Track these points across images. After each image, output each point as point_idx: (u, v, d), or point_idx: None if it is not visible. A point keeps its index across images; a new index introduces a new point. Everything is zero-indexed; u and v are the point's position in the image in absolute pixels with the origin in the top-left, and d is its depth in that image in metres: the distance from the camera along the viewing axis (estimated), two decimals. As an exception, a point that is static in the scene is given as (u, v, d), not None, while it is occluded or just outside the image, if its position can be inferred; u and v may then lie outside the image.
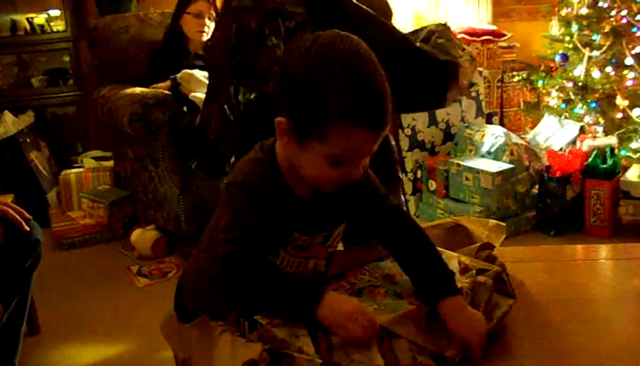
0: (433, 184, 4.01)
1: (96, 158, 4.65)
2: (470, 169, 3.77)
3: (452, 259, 1.35)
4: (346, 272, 1.34)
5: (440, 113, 4.19)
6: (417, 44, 1.92)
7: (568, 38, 4.29)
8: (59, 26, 5.03)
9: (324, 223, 1.30)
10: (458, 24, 4.60)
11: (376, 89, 1.12)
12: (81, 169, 4.49)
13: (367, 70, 1.12)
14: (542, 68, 4.49)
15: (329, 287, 1.27)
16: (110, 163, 4.44)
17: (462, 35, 4.47)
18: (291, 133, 1.17)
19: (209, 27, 3.86)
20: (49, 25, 5.03)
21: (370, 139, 1.14)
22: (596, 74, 4.13)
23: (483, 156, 3.99)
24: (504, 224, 1.52)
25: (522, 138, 4.24)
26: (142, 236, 3.73)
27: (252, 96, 1.93)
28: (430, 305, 1.21)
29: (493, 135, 4.02)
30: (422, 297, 1.23)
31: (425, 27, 2.03)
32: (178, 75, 3.56)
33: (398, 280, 1.30)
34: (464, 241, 1.47)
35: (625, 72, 4.05)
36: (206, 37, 3.87)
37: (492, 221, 1.52)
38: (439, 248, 1.35)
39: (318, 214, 1.28)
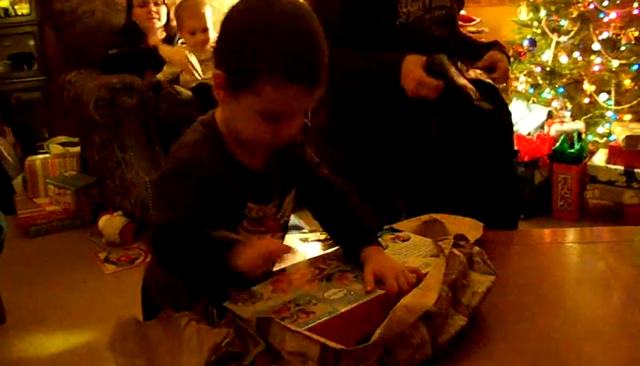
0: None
1: (62, 144, 4.59)
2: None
3: (427, 243, 1.36)
4: (313, 259, 1.34)
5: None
6: None
7: (536, 23, 4.32)
8: (23, 9, 4.95)
9: (274, 192, 1.31)
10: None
11: (309, 46, 1.14)
12: (47, 155, 4.43)
13: (303, 27, 1.14)
14: (511, 53, 4.51)
15: (298, 272, 1.28)
16: (77, 149, 4.38)
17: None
18: (226, 86, 1.18)
19: (158, 11, 3.83)
20: (13, 8, 4.95)
21: (301, 96, 1.15)
22: (563, 59, 4.16)
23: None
24: (481, 224, 1.52)
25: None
26: (110, 223, 3.69)
27: None
28: (355, 261, 1.27)
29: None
30: (348, 256, 1.30)
31: None
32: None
33: None
34: (439, 235, 1.47)
35: (592, 57, 4.08)
36: (158, 23, 3.85)
37: (470, 219, 1.52)
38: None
39: (267, 183, 1.29)
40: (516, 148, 3.82)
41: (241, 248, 1.11)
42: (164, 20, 3.89)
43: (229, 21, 1.18)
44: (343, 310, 1.13)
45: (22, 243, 3.75)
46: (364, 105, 1.94)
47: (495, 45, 2.05)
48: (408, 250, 1.34)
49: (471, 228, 1.46)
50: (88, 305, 2.97)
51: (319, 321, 1.10)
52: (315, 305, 1.15)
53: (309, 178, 1.38)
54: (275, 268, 1.30)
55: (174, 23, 3.88)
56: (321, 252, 1.38)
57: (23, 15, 4.93)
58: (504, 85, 4.29)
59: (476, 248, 1.35)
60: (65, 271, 3.36)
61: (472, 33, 4.75)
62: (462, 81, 1.80)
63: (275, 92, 1.12)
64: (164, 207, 1.22)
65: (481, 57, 1.99)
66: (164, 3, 3.89)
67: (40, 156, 4.40)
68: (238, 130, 1.21)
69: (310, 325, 1.09)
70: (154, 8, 3.82)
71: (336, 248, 1.38)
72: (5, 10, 4.91)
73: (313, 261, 1.33)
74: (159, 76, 3.59)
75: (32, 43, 5.00)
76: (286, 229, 1.37)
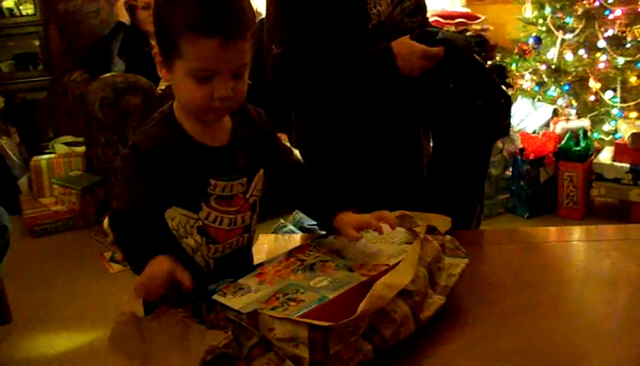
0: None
1: (67, 144, 4.60)
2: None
3: (400, 232, 1.38)
4: (292, 250, 1.36)
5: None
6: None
7: (541, 21, 4.31)
8: (28, 9, 4.95)
9: (239, 168, 1.32)
10: (432, 7, 4.59)
11: None
12: (52, 155, 4.43)
13: None
14: (516, 51, 4.51)
15: (280, 264, 1.30)
16: (82, 149, 4.39)
17: (436, 18, 4.46)
18: (162, 61, 1.22)
19: None
20: (17, 8, 4.95)
21: (223, 50, 1.16)
22: (569, 57, 4.15)
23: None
24: (449, 218, 1.52)
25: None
26: (115, 222, 3.69)
27: None
28: (329, 228, 1.36)
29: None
30: (323, 226, 1.40)
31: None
32: None
33: (345, 254, 1.32)
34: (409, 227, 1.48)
35: (598, 54, 4.07)
36: None
37: (439, 215, 1.53)
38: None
39: (229, 159, 1.30)
40: (521, 146, 3.82)
41: (149, 264, 1.13)
42: None
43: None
44: (332, 297, 1.15)
45: (27, 243, 3.76)
46: (352, 117, 1.90)
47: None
48: (383, 238, 1.35)
49: (440, 222, 1.47)
50: (93, 304, 2.98)
51: (311, 308, 1.12)
52: (302, 293, 1.17)
53: (279, 161, 1.43)
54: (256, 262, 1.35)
55: None
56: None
57: (27, 15, 4.94)
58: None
59: (448, 237, 1.37)
60: (70, 270, 3.36)
61: (477, 31, 4.74)
62: (462, 36, 1.81)
63: (195, 49, 1.15)
64: (117, 192, 1.27)
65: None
66: None
67: (45, 156, 4.40)
68: (182, 100, 1.24)
69: (303, 312, 1.10)
70: None
71: (314, 241, 1.41)
72: (10, 10, 4.92)
73: (292, 253, 1.34)
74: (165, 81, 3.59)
75: (37, 43, 5.00)
76: (254, 209, 1.36)
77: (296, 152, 1.85)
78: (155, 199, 1.24)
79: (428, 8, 2.01)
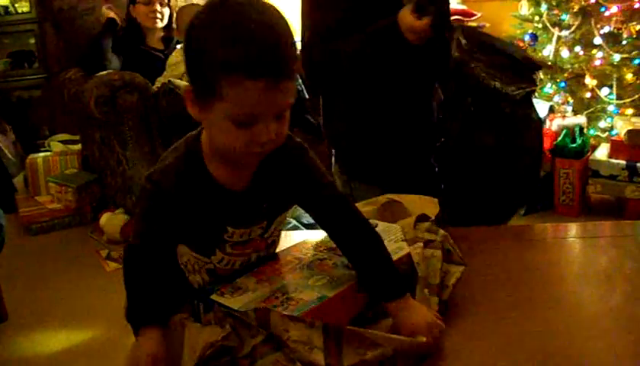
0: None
1: (63, 142, 4.59)
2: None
3: (395, 229, 1.35)
4: (289, 248, 1.34)
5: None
6: None
7: (537, 18, 4.31)
8: (23, 7, 4.95)
9: (260, 214, 1.22)
10: None
11: (264, 36, 1.03)
12: (48, 153, 4.43)
13: (256, 18, 1.03)
14: (512, 48, 4.50)
15: (277, 261, 1.28)
16: (78, 147, 4.38)
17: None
18: (195, 99, 1.09)
19: (162, 12, 3.85)
20: (13, 6, 4.95)
21: (268, 92, 1.03)
22: (565, 53, 4.15)
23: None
24: (436, 199, 1.52)
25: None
26: (111, 220, 3.69)
27: None
28: (378, 303, 1.19)
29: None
30: (371, 296, 1.20)
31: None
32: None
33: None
34: (399, 215, 1.47)
35: (594, 51, 4.07)
36: (160, 23, 3.86)
37: (424, 196, 1.52)
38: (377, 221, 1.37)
39: (250, 205, 1.20)
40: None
41: (139, 339, 1.09)
42: (166, 21, 3.90)
43: (188, 29, 1.09)
44: (331, 295, 1.14)
45: (23, 241, 3.75)
46: (371, 93, 1.93)
47: None
48: (383, 234, 1.30)
49: (428, 205, 1.46)
50: (89, 302, 2.97)
51: (310, 307, 1.11)
52: (301, 292, 1.16)
53: (316, 198, 1.24)
54: None
55: (174, 26, 3.90)
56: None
57: (23, 13, 4.93)
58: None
59: (441, 232, 1.36)
60: (66, 268, 3.36)
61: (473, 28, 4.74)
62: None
63: (238, 93, 1.02)
64: (135, 225, 1.19)
65: None
66: (168, 5, 3.90)
67: (41, 154, 4.40)
68: (216, 143, 1.12)
69: (302, 312, 1.09)
70: (158, 8, 3.83)
71: (308, 237, 1.39)
72: (5, 8, 4.91)
73: (289, 251, 1.33)
74: (160, 80, 3.60)
75: (32, 40, 5.00)
76: (272, 246, 1.30)
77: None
78: (170, 238, 1.17)
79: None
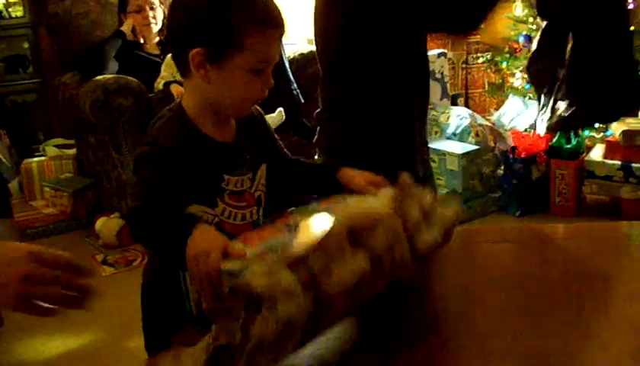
0: (399, 167, 4.01)
1: (58, 146, 4.58)
2: (436, 151, 3.78)
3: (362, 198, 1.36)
4: (274, 218, 1.32)
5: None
6: None
7: (531, 19, 4.31)
8: (17, 11, 4.93)
9: (246, 164, 1.37)
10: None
11: None
12: (43, 158, 4.42)
13: None
14: (506, 49, 4.51)
15: (264, 229, 1.24)
16: (73, 151, 4.37)
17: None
18: (208, 60, 1.26)
19: (155, 16, 3.85)
20: (7, 11, 4.93)
21: (278, 39, 1.30)
22: (559, 55, 4.15)
23: (448, 138, 4.00)
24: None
25: (487, 119, 4.27)
26: (107, 225, 3.68)
27: None
28: (335, 190, 1.35)
29: (458, 116, 4.03)
30: (327, 192, 1.35)
31: None
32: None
33: (331, 213, 1.30)
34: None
35: (588, 52, 4.07)
36: (154, 28, 3.86)
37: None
38: None
39: (238, 155, 1.36)
40: (512, 144, 3.82)
41: (197, 234, 1.11)
42: (160, 24, 3.90)
43: (193, 2, 1.28)
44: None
45: (19, 246, 3.74)
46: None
47: None
48: (365, 199, 1.32)
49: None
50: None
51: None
52: (292, 246, 1.11)
53: (279, 156, 1.49)
54: None
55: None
56: None
57: (17, 17, 4.92)
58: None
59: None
60: (62, 273, 3.35)
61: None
62: None
63: (260, 41, 1.25)
64: (138, 189, 1.25)
65: None
66: (160, 5, 3.90)
67: (36, 159, 4.39)
68: (229, 96, 1.29)
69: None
70: (150, 13, 3.83)
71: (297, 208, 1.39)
72: (-1, 12, 4.90)
73: (275, 220, 1.31)
74: (160, 80, 3.59)
75: (26, 45, 4.98)
76: (260, 203, 1.40)
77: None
78: (177, 195, 1.24)
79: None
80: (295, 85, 3.67)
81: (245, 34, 1.23)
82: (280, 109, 3.62)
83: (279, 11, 1.29)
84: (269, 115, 3.66)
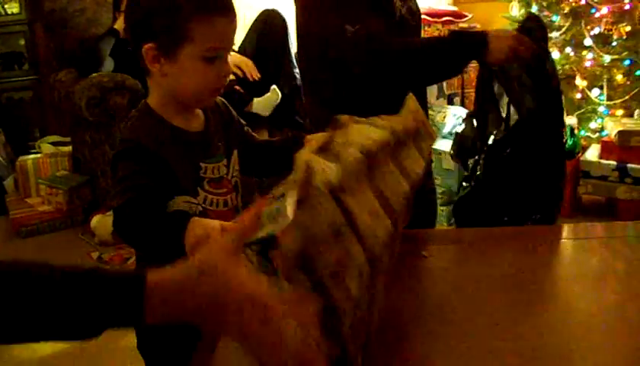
0: (395, 166, 4.01)
1: (54, 144, 4.57)
2: (432, 150, 3.77)
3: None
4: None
5: (402, 95, 4.20)
6: None
7: (528, 19, 4.31)
8: (13, 8, 4.93)
9: (219, 150, 1.38)
10: (419, 5, 4.59)
11: None
12: (38, 155, 4.41)
13: None
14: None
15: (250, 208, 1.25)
16: (69, 148, 4.36)
17: (423, 16, 4.46)
18: (161, 53, 1.26)
19: None
20: (3, 8, 4.93)
21: (227, 26, 1.27)
22: (555, 55, 4.16)
23: (444, 137, 4.00)
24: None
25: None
26: (103, 222, 3.67)
27: None
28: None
29: (454, 116, 4.03)
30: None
31: None
32: None
33: None
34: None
35: (584, 52, 4.09)
36: None
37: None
38: None
39: (210, 143, 1.37)
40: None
41: (191, 225, 1.12)
42: None
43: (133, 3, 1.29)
44: None
45: (14, 244, 3.73)
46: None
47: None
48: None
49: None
50: (80, 305, 2.96)
51: None
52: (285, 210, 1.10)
53: (248, 141, 1.50)
54: None
55: None
56: None
57: (13, 14, 4.91)
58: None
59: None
60: (57, 271, 3.34)
61: (464, 29, 4.75)
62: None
63: (209, 29, 1.23)
64: (118, 188, 1.23)
65: None
66: None
67: (32, 156, 4.38)
68: (186, 88, 1.29)
69: None
70: None
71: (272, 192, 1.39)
72: (-5, 9, 4.89)
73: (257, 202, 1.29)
74: None
75: (22, 42, 4.97)
76: (237, 189, 1.41)
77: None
78: (158, 188, 1.23)
79: (416, 6, 2.03)
80: (297, 68, 3.67)
81: (191, 23, 1.23)
82: (274, 86, 3.62)
83: None
84: (264, 96, 3.67)
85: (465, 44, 1.78)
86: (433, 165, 3.73)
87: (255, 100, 3.64)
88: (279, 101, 3.63)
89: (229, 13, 1.27)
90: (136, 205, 1.19)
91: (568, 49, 4.13)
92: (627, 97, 4.01)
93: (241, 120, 1.52)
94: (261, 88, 3.65)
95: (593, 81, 4.08)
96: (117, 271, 0.94)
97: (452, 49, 1.79)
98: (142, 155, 1.25)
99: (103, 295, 0.84)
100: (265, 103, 3.68)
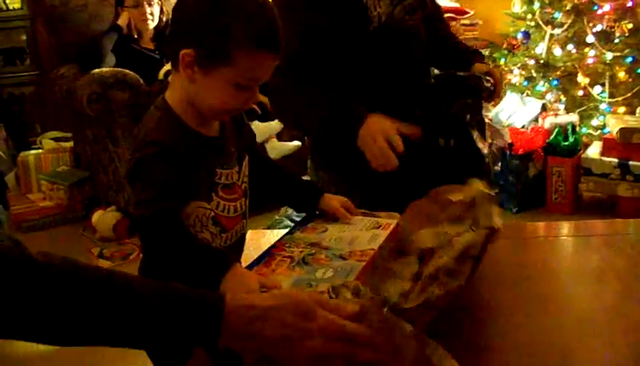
0: (396, 163, 4.01)
1: (55, 139, 4.57)
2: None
3: (359, 219, 1.44)
4: (270, 249, 1.33)
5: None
6: None
7: (529, 16, 4.32)
8: (15, 3, 4.92)
9: (233, 157, 1.37)
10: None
11: (273, 15, 1.24)
12: (40, 150, 4.41)
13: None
14: (505, 45, 4.51)
15: (268, 263, 1.26)
16: (70, 144, 4.36)
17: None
18: (197, 64, 1.22)
19: (153, 13, 3.85)
20: (4, 3, 4.92)
21: (271, 63, 1.24)
22: (557, 52, 4.16)
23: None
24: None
25: (484, 115, 4.26)
26: (104, 218, 3.68)
27: None
28: (313, 210, 1.48)
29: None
30: (305, 209, 1.51)
31: None
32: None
33: (326, 244, 1.31)
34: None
35: (586, 49, 4.08)
36: (151, 24, 3.85)
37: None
38: None
39: (226, 149, 1.35)
40: (510, 141, 3.82)
41: (232, 273, 1.14)
42: (157, 20, 3.89)
43: (191, 2, 1.26)
44: (354, 279, 1.13)
45: (15, 239, 3.73)
46: None
47: (477, 54, 2.08)
48: (347, 228, 1.40)
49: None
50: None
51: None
52: (317, 286, 1.14)
53: (256, 152, 1.50)
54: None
55: (164, 17, 3.89)
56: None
57: (14, 10, 4.91)
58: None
59: None
60: (58, 266, 3.34)
61: (466, 25, 4.75)
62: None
63: (251, 61, 1.20)
64: (146, 193, 1.21)
65: (467, 64, 1.98)
66: (158, 2, 3.89)
67: (33, 152, 4.38)
68: (208, 102, 1.26)
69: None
70: (148, 9, 3.82)
71: (281, 235, 1.42)
72: (-3, 5, 4.89)
73: (272, 252, 1.31)
74: (162, 72, 3.59)
75: (24, 37, 4.97)
76: (247, 194, 1.41)
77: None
78: (185, 195, 1.24)
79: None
80: None
81: (238, 51, 1.19)
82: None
83: (280, 34, 1.24)
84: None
85: (342, 125, 1.73)
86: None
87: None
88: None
89: (277, 52, 1.24)
90: (171, 219, 1.19)
91: (570, 46, 4.13)
92: (629, 94, 4.00)
93: (252, 129, 1.51)
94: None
95: (595, 79, 4.07)
96: (195, 291, 0.93)
97: (329, 123, 1.76)
98: (170, 157, 1.21)
99: (184, 314, 0.89)
100: (263, 129, 3.75)
